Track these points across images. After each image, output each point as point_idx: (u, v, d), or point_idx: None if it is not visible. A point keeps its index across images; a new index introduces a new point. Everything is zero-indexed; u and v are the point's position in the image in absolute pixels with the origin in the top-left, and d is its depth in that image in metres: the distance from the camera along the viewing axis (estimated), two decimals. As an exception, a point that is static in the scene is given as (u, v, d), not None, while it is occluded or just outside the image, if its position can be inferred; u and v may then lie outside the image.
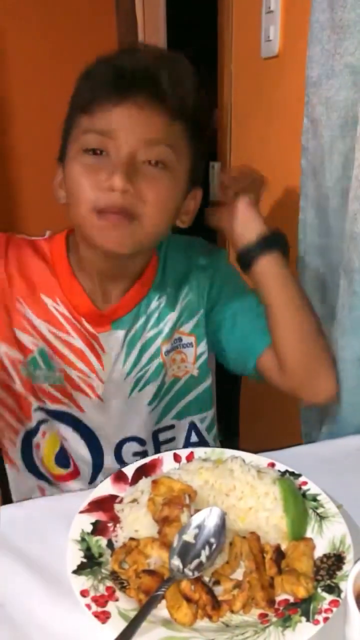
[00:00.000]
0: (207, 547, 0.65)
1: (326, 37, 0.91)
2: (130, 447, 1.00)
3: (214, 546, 0.66)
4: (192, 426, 1.05)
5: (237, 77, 1.60)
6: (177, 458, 0.85)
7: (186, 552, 0.65)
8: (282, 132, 1.32)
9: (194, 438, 1.06)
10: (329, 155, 0.96)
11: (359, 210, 0.87)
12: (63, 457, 0.99)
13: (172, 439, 1.04)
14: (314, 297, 1.12)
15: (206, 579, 0.65)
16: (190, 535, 0.67)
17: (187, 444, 1.05)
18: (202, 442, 1.07)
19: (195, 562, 0.64)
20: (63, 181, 0.83)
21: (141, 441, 1.00)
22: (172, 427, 1.03)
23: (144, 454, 1.00)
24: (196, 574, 0.63)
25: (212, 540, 0.66)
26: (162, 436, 1.02)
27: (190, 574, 0.63)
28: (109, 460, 0.99)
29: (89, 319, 0.91)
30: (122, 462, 0.99)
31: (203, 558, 0.64)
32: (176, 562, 0.64)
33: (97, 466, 1.00)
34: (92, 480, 1.00)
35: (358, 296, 0.92)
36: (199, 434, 1.06)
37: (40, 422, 0.96)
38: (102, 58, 0.79)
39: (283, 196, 1.35)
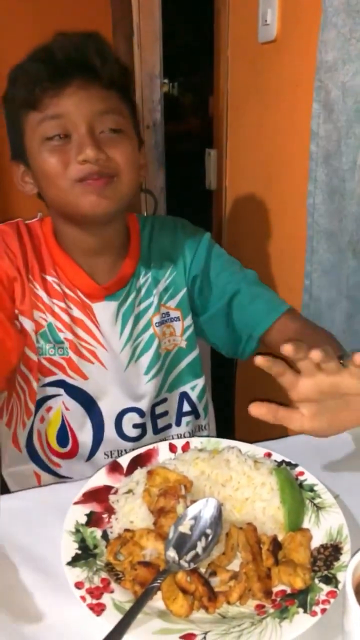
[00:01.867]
0: (203, 539, 0.65)
1: (341, 21, 0.90)
2: (130, 419, 1.02)
3: (210, 537, 0.65)
4: (184, 395, 1.08)
5: (234, 62, 1.57)
6: (172, 448, 0.84)
7: (182, 543, 0.64)
8: (280, 117, 1.30)
9: (186, 407, 1.09)
10: (345, 139, 0.96)
11: (369, 193, 0.87)
12: (63, 435, 1.01)
13: (164, 413, 1.06)
14: (321, 280, 1.12)
15: (202, 570, 0.64)
16: (186, 527, 0.66)
17: (180, 414, 1.08)
18: (194, 411, 1.10)
19: (191, 553, 0.63)
20: (26, 174, 0.91)
21: (141, 412, 1.02)
22: (165, 400, 1.06)
23: (143, 426, 1.03)
24: (192, 565, 0.62)
25: (208, 531, 0.66)
26: (157, 409, 1.05)
27: (186, 565, 0.62)
28: (110, 431, 1.01)
29: (83, 290, 0.96)
30: (122, 434, 1.01)
31: (199, 549, 0.64)
32: (172, 553, 0.63)
33: (97, 440, 1.01)
34: (90, 458, 1.01)
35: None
36: (190, 402, 1.09)
37: (47, 398, 0.99)
38: (29, 57, 0.85)
39: (280, 183, 1.33)
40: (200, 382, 1.09)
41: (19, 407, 1.00)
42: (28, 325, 0.94)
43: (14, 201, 2.30)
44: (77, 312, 0.97)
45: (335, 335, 0.97)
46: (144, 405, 1.02)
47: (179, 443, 0.85)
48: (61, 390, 0.98)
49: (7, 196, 2.24)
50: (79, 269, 0.96)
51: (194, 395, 1.09)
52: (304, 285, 1.16)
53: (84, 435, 1.01)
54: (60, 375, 0.97)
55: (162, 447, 0.84)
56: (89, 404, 0.99)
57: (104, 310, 0.98)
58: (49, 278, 0.96)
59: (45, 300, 0.95)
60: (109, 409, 1.00)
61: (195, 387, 1.09)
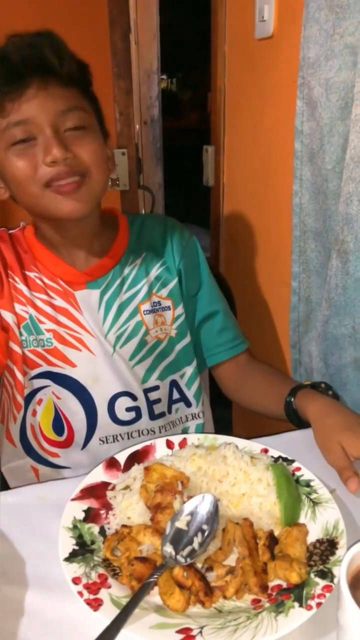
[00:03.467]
0: (199, 534, 0.65)
1: (324, 17, 0.89)
2: (123, 402, 1.02)
3: (206, 533, 0.65)
4: (173, 384, 1.09)
5: (231, 58, 1.57)
6: (169, 444, 0.85)
7: (179, 539, 0.65)
8: (277, 114, 1.30)
9: (175, 395, 1.10)
10: (328, 137, 0.95)
11: (354, 191, 0.86)
12: (59, 424, 1.02)
13: (158, 400, 1.07)
14: (310, 280, 1.12)
15: (199, 565, 0.64)
16: (183, 522, 0.66)
17: (170, 401, 1.09)
18: (183, 399, 1.11)
19: (188, 549, 0.64)
20: None
21: (132, 396, 1.03)
22: (157, 387, 1.06)
23: (137, 410, 1.03)
24: (189, 560, 0.63)
25: (205, 527, 0.66)
26: (151, 396, 1.06)
27: (182, 560, 0.62)
28: (103, 416, 1.01)
29: (64, 278, 0.98)
30: (115, 419, 1.02)
31: (195, 545, 0.64)
32: (169, 549, 0.63)
33: (91, 427, 1.01)
34: (85, 445, 1.02)
35: (352, 277, 0.92)
36: (179, 389, 1.10)
37: (36, 390, 1.00)
38: None
39: (277, 179, 1.33)
40: (188, 370, 1.10)
41: (8, 401, 1.01)
42: (9, 318, 0.96)
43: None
44: (59, 302, 0.98)
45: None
46: (134, 389, 1.03)
47: (176, 439, 0.85)
48: (49, 382, 0.99)
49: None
50: (59, 259, 0.98)
51: (182, 383, 1.10)
52: (292, 287, 1.15)
53: (78, 422, 1.01)
54: (46, 367, 0.99)
55: (159, 444, 0.84)
56: (79, 391, 1.00)
57: (87, 297, 1.00)
58: (29, 274, 0.98)
59: (26, 293, 0.97)
60: (100, 395, 1.01)
61: (183, 375, 1.10)
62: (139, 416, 1.03)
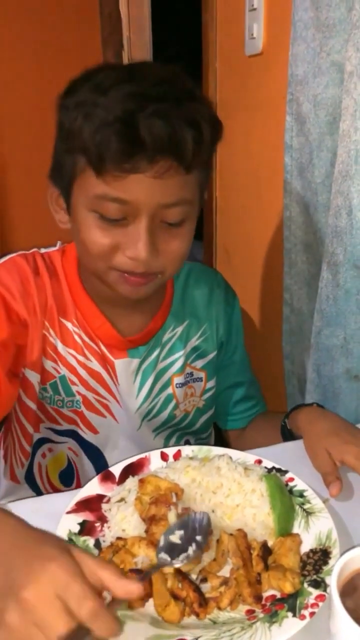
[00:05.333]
0: (194, 544, 0.65)
1: (311, 36, 0.92)
2: None
3: (200, 543, 0.66)
4: (187, 441, 1.06)
5: (222, 74, 1.60)
6: (164, 457, 0.85)
7: (173, 549, 0.65)
8: (267, 129, 1.32)
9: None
10: (317, 152, 0.97)
11: (343, 205, 0.88)
12: (68, 473, 0.98)
13: None
14: (301, 292, 1.13)
15: (193, 576, 0.65)
16: (176, 537, 0.66)
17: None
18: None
19: (183, 555, 0.64)
20: (61, 202, 0.80)
21: None
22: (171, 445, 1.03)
23: None
24: (184, 562, 0.62)
25: (199, 538, 0.66)
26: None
27: (178, 564, 0.62)
28: None
29: (106, 343, 0.89)
30: None
31: (190, 552, 0.64)
32: (164, 556, 0.63)
33: None
34: None
35: (342, 289, 0.94)
36: (188, 443, 1.06)
37: (46, 440, 0.95)
38: (115, 111, 0.66)
39: (268, 193, 1.35)
40: (204, 434, 1.06)
41: (13, 447, 0.96)
42: (33, 377, 0.87)
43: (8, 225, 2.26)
44: (95, 365, 0.89)
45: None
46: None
47: (171, 451, 0.86)
48: (71, 440, 0.93)
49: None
50: (104, 318, 0.88)
51: (192, 440, 1.06)
52: (284, 299, 1.17)
53: (87, 478, 0.95)
54: (73, 427, 0.92)
55: (154, 456, 0.85)
56: (95, 454, 0.95)
57: (126, 366, 0.91)
58: (67, 324, 0.87)
59: (60, 349, 0.87)
60: (115, 459, 0.92)
61: (199, 438, 1.06)
62: None
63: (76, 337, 0.88)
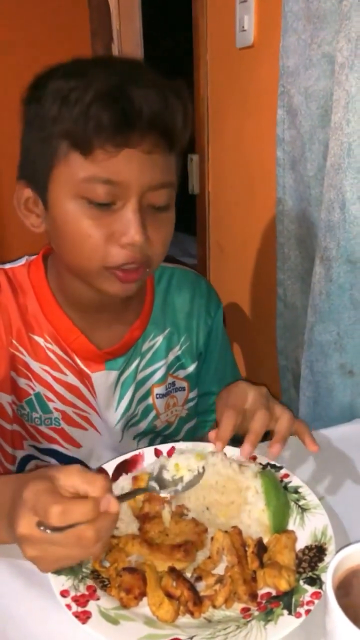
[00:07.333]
0: (184, 482, 0.70)
1: (301, 27, 0.91)
2: None
3: (190, 482, 0.69)
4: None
5: (213, 67, 1.58)
6: (158, 453, 0.84)
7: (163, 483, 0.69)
8: (259, 122, 1.31)
9: None
10: (309, 145, 0.96)
11: (335, 198, 0.87)
12: None
13: None
14: (295, 287, 1.13)
15: (188, 574, 0.64)
16: (169, 474, 0.71)
17: None
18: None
19: (171, 489, 0.68)
20: (34, 204, 0.77)
21: None
22: None
23: None
24: (172, 494, 0.67)
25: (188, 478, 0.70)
26: None
27: (165, 494, 0.67)
28: None
29: (81, 356, 0.86)
30: None
31: (179, 487, 0.68)
32: (154, 484, 0.67)
33: None
34: None
35: (335, 284, 0.93)
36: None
37: (32, 457, 0.93)
38: (97, 95, 0.65)
39: (261, 187, 1.35)
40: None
41: None
42: (3, 398, 0.84)
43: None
44: (72, 379, 0.87)
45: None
46: None
47: (165, 448, 0.85)
48: (52, 460, 0.91)
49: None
50: (77, 331, 0.84)
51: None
52: (277, 294, 1.16)
53: None
54: (54, 446, 0.89)
55: (148, 453, 0.84)
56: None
57: (104, 379, 0.88)
58: (39, 340, 0.84)
59: (33, 366, 0.84)
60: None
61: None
62: None
63: (49, 353, 0.85)
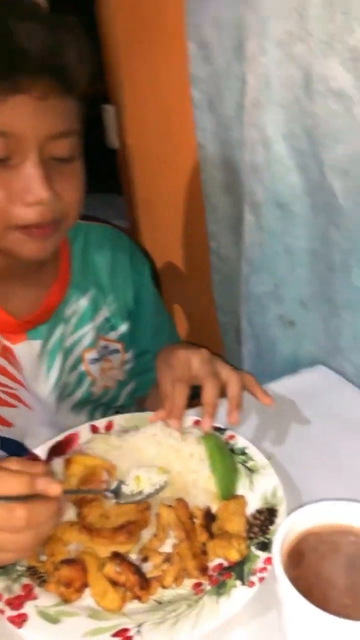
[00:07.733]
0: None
1: None
2: None
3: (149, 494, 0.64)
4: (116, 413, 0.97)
5: (117, 8, 1.46)
6: (94, 430, 0.78)
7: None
8: (171, 61, 1.22)
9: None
10: (226, 81, 0.89)
11: (258, 138, 0.81)
12: None
13: None
14: (227, 239, 1.07)
15: (133, 556, 0.60)
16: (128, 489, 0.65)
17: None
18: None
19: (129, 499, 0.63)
20: None
21: None
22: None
23: None
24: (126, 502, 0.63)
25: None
26: None
27: (122, 501, 0.63)
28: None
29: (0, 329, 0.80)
30: None
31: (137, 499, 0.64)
32: (109, 494, 0.63)
33: None
34: None
35: (266, 231, 0.88)
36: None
37: None
38: None
39: (180, 134, 1.27)
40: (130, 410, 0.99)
41: None
42: None
43: None
44: None
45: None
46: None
47: (101, 423, 0.79)
48: None
49: None
50: None
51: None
52: (210, 248, 1.10)
53: None
54: None
55: (84, 431, 0.78)
56: (17, 449, 0.86)
57: (27, 350, 0.82)
58: None
59: None
60: (37, 444, 0.85)
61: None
62: None
63: None
